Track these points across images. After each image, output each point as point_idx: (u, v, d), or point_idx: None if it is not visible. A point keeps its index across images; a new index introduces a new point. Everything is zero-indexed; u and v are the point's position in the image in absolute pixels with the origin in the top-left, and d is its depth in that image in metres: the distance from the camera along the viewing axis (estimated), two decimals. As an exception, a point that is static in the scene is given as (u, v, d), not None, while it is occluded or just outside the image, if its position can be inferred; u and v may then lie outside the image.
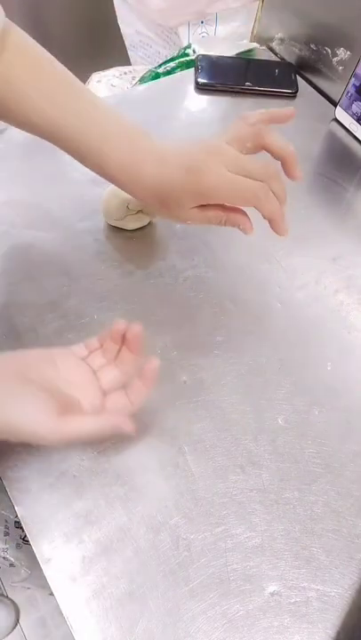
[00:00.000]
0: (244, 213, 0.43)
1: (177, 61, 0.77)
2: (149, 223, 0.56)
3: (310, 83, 0.73)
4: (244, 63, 0.74)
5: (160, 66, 0.79)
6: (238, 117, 0.42)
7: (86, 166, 0.44)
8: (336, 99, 0.68)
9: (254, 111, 0.42)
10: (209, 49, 0.77)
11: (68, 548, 0.39)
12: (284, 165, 0.42)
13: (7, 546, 0.60)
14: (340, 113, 0.67)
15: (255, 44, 0.79)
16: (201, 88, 0.71)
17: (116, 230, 0.55)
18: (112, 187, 0.55)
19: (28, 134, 0.64)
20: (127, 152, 0.41)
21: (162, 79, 0.76)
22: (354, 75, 0.63)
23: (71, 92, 0.44)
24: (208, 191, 0.39)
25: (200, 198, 0.40)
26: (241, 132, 0.41)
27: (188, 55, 0.78)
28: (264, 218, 0.42)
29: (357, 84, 0.63)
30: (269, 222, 0.43)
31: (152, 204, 0.43)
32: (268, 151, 0.41)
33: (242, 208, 0.43)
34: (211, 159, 0.39)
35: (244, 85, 0.70)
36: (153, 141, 0.42)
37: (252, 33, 0.81)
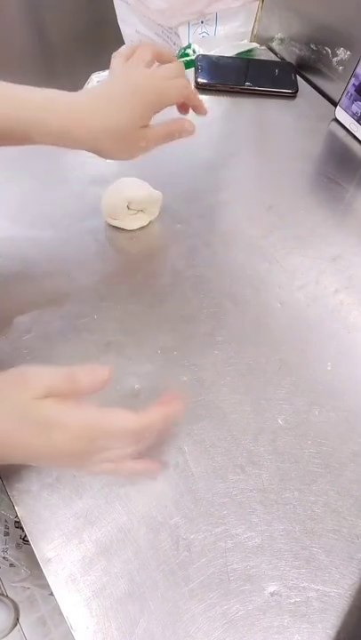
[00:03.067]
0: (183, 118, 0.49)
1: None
2: (149, 223, 0.56)
3: (310, 83, 0.73)
4: (244, 63, 0.74)
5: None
6: (114, 55, 0.49)
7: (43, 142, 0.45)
8: (336, 99, 0.68)
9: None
10: (209, 49, 0.77)
11: (68, 548, 0.39)
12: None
13: (7, 546, 0.60)
14: (340, 113, 0.67)
15: (255, 44, 0.79)
16: (201, 88, 0.71)
17: (116, 230, 0.55)
18: (112, 186, 0.55)
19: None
20: (75, 112, 0.44)
21: (162, 79, 0.76)
22: (354, 75, 0.63)
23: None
24: (154, 99, 0.45)
25: (150, 108, 0.45)
26: (141, 51, 0.48)
27: (188, 55, 0.78)
28: (192, 104, 0.49)
29: (357, 84, 0.63)
30: (195, 108, 0.49)
31: (107, 140, 0.45)
32: (160, 59, 0.48)
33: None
34: (146, 77, 0.45)
35: (244, 85, 0.70)
36: (78, 93, 0.45)
37: (252, 33, 0.81)
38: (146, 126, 0.46)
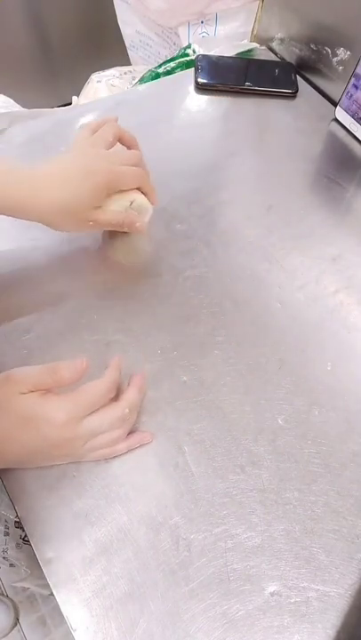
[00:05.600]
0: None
1: (177, 61, 0.77)
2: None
3: (310, 83, 0.73)
4: (244, 63, 0.74)
5: (160, 66, 0.79)
6: (82, 126, 0.52)
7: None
8: (336, 99, 0.68)
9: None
10: (209, 49, 0.77)
11: (68, 548, 0.39)
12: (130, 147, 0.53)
13: (7, 546, 0.60)
14: (340, 113, 0.67)
15: (255, 44, 0.79)
16: (201, 88, 0.71)
17: (114, 230, 0.55)
18: None
19: (29, 134, 0.64)
20: (28, 188, 0.46)
21: (162, 79, 0.76)
22: (354, 75, 0.63)
23: None
24: (107, 183, 0.48)
25: (103, 191, 0.48)
26: (104, 131, 0.51)
27: (188, 55, 0.78)
28: (144, 192, 0.52)
29: (357, 84, 0.63)
30: (148, 195, 0.52)
31: (56, 217, 0.48)
32: (122, 141, 0.52)
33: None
34: (103, 159, 0.48)
35: (244, 85, 0.70)
36: (33, 168, 0.47)
37: (252, 33, 0.81)
38: (99, 207, 0.49)
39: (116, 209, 0.51)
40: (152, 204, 0.53)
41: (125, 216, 0.50)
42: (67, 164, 0.48)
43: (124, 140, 0.52)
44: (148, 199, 0.52)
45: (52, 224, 0.49)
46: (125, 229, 0.52)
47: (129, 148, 0.53)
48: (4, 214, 0.47)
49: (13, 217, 0.48)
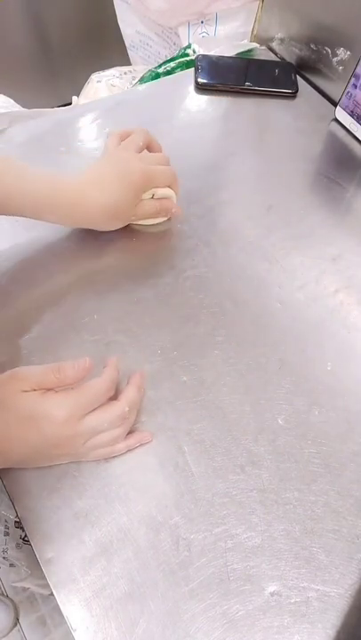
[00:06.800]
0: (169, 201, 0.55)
1: (177, 61, 0.77)
2: (163, 222, 0.57)
3: (310, 83, 0.73)
4: (244, 63, 0.74)
5: (160, 66, 0.79)
6: (110, 134, 0.55)
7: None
8: (336, 99, 0.68)
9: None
10: (209, 49, 0.77)
11: (68, 547, 0.39)
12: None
13: (7, 546, 0.60)
14: (340, 113, 0.67)
15: (255, 44, 0.79)
16: (201, 88, 0.71)
17: (115, 230, 0.55)
18: None
19: (29, 134, 0.64)
20: (74, 197, 0.49)
21: (162, 79, 0.76)
22: (354, 75, 0.63)
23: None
24: (143, 181, 0.51)
25: (140, 190, 0.51)
26: (135, 136, 0.54)
27: (188, 55, 0.78)
28: (172, 188, 0.55)
29: (357, 84, 0.63)
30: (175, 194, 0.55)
31: (102, 219, 0.52)
32: (150, 147, 0.56)
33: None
34: (136, 160, 0.51)
35: (244, 85, 0.70)
36: (75, 176, 0.50)
37: (252, 33, 0.81)
38: (137, 204, 0.52)
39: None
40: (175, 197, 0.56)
41: (160, 204, 0.54)
42: (105, 170, 0.50)
43: (152, 148, 0.56)
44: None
45: (98, 226, 0.53)
46: (163, 216, 0.55)
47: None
48: (49, 221, 0.50)
49: (59, 224, 0.52)
